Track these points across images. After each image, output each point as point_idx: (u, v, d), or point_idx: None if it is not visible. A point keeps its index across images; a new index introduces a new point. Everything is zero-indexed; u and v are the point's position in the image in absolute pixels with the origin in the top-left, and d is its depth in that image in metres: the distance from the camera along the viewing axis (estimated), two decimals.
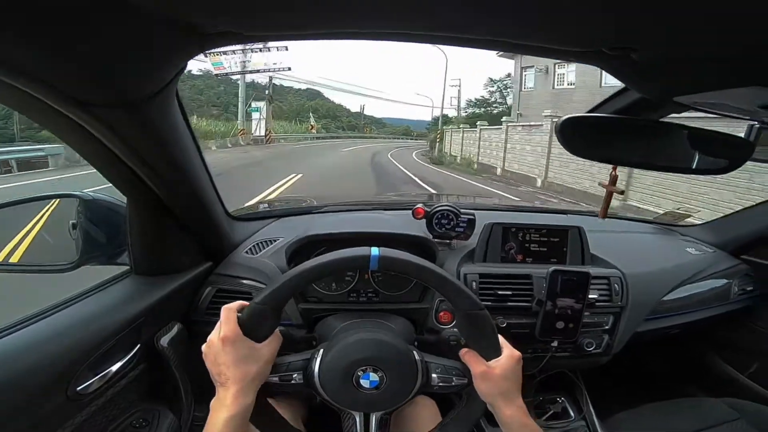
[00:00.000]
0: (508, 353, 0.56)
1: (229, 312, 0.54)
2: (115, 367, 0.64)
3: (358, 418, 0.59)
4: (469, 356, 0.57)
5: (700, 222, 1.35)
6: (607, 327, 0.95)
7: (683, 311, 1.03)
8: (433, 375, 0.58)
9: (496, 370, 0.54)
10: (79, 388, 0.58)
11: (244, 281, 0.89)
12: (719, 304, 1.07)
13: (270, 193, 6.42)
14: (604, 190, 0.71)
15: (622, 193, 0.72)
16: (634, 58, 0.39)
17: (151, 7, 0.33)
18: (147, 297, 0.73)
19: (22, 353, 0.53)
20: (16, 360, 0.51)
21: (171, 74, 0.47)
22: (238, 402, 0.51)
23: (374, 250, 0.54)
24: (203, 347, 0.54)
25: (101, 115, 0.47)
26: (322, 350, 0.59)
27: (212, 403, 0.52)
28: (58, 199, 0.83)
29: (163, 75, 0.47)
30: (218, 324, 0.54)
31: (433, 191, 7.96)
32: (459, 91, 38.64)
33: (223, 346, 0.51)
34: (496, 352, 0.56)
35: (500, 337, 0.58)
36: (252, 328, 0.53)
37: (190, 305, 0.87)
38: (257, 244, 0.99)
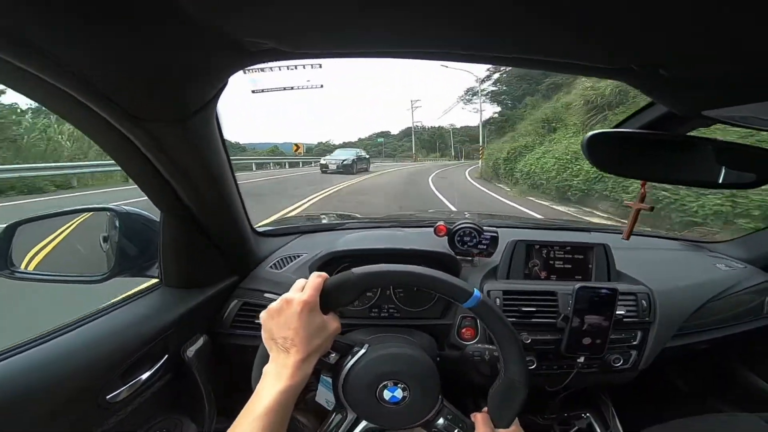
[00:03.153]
0: (515, 429, 0.60)
1: (319, 279, 0.54)
2: (144, 377, 0.66)
3: (348, 419, 0.60)
4: (481, 417, 0.60)
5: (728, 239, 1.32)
6: (635, 343, 0.93)
7: (714, 326, 1.01)
8: (441, 419, 0.60)
9: None
10: (108, 397, 0.59)
11: (269, 295, 0.89)
12: (751, 319, 1.04)
13: None
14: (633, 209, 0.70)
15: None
16: (662, 74, 0.39)
17: (203, 21, 0.34)
18: (176, 309, 0.74)
19: (57, 361, 0.54)
20: (51, 367, 0.53)
21: (214, 90, 0.49)
22: (300, 372, 0.50)
23: (477, 292, 0.56)
24: (270, 307, 0.53)
25: (151, 130, 0.49)
26: (367, 346, 0.60)
27: (266, 368, 0.51)
28: (90, 213, 0.86)
29: (208, 91, 0.48)
30: (295, 287, 0.54)
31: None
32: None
33: (301, 310, 0.51)
34: (508, 425, 0.59)
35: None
36: (330, 297, 0.54)
37: (215, 318, 0.87)
38: (281, 259, 1.00)
